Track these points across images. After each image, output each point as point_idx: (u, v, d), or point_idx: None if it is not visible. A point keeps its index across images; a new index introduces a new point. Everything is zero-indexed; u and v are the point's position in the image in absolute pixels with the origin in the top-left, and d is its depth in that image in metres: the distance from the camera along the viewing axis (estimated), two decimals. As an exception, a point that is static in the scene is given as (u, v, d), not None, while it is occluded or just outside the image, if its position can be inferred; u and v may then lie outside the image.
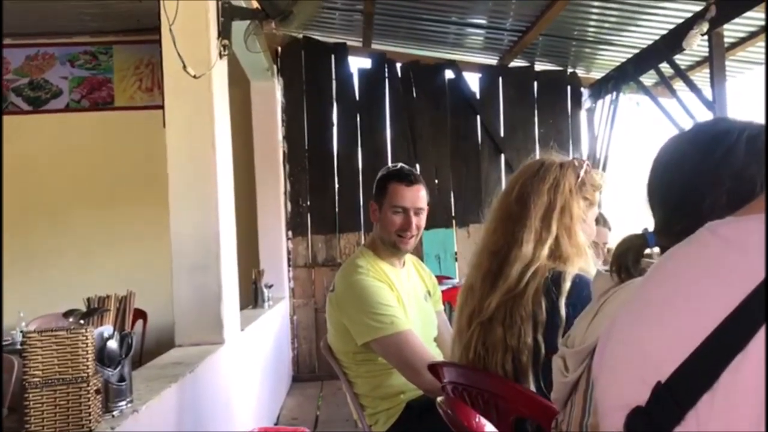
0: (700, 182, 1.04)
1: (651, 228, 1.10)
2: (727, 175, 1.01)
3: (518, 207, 1.72)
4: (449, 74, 6.39)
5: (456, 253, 6.33)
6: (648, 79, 5.64)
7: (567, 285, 1.62)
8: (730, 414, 0.50)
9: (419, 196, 2.36)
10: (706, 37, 4.21)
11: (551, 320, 1.62)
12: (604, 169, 6.04)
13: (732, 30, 4.66)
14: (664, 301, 0.63)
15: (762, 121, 1.08)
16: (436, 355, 2.30)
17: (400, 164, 2.46)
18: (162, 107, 3.05)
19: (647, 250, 1.07)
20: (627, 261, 1.06)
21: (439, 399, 1.54)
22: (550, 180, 1.72)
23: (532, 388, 1.61)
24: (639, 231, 1.09)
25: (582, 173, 1.75)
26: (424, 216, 2.40)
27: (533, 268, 1.66)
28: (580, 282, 1.63)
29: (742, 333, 0.51)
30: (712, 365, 0.52)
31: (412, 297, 2.40)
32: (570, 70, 6.49)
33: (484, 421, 1.52)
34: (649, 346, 0.60)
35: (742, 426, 0.49)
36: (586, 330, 1.10)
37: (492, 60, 6.43)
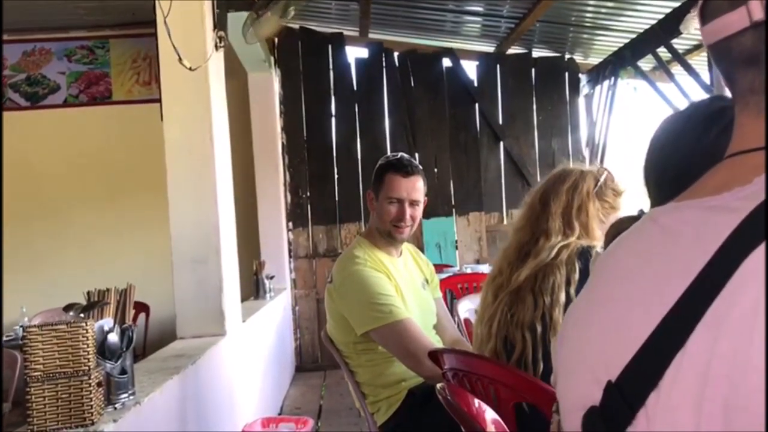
0: (696, 162, 1.01)
1: (647, 209, 1.10)
2: (722, 154, 1.01)
3: (540, 206, 1.90)
4: (447, 62, 6.38)
5: (456, 242, 6.34)
6: (646, 63, 5.62)
7: (598, 250, 1.74)
8: (672, 414, 0.49)
9: (416, 188, 2.35)
10: (703, 20, 4.19)
11: (585, 279, 1.67)
12: (602, 154, 6.04)
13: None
14: (611, 297, 0.62)
15: None
16: (436, 342, 2.31)
17: (400, 154, 2.44)
18: (160, 101, 3.04)
19: None
20: None
21: (439, 385, 1.55)
22: (569, 182, 1.89)
23: None
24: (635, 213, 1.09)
25: (602, 179, 1.90)
26: (419, 207, 2.39)
27: (563, 244, 1.80)
28: None
29: (680, 330, 0.50)
30: (655, 363, 0.51)
31: (409, 285, 2.40)
32: (568, 56, 6.48)
33: (484, 406, 1.53)
34: (599, 345, 0.59)
35: (682, 426, 0.48)
36: None
37: (489, 47, 6.41)
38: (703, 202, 0.57)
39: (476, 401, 1.50)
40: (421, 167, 2.43)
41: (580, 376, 0.61)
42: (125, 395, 1.77)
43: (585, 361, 0.61)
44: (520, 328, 1.74)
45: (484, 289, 1.95)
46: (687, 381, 0.48)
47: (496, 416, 1.45)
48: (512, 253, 1.89)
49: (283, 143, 6.21)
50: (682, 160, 1.06)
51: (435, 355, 1.86)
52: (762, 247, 0.47)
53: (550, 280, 1.75)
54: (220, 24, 3.15)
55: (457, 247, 6.33)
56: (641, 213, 1.07)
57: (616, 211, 1.89)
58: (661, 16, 4.85)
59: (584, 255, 1.74)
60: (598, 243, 1.78)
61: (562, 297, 1.71)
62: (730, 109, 1.05)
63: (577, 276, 1.73)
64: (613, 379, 0.55)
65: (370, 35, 6.24)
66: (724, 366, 0.46)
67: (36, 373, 1.50)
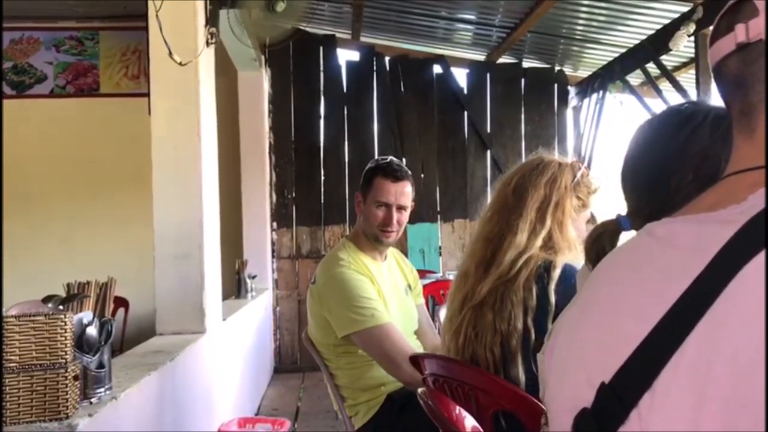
0: (667, 163, 1.06)
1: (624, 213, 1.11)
2: (692, 154, 1.04)
3: (515, 197, 1.78)
4: (437, 69, 6.39)
5: (440, 248, 6.34)
6: (634, 78, 5.67)
7: (557, 272, 1.68)
8: (669, 413, 0.50)
9: (404, 193, 2.36)
10: (692, 38, 4.24)
11: (541, 306, 1.67)
12: (588, 167, 6.07)
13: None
14: (606, 302, 0.63)
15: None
16: (416, 347, 2.31)
17: (390, 158, 2.44)
18: (148, 95, 3.02)
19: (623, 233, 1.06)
20: (603, 244, 1.04)
21: (420, 390, 1.55)
22: (547, 175, 1.78)
23: (521, 372, 1.65)
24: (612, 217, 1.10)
25: (579, 174, 1.82)
26: (407, 213, 2.39)
27: (526, 256, 1.71)
28: (568, 270, 1.69)
29: (676, 333, 0.51)
30: (650, 365, 0.52)
31: (392, 290, 2.40)
32: (557, 67, 6.51)
33: (464, 413, 1.53)
34: (593, 348, 0.61)
35: (680, 425, 0.49)
36: None
37: (480, 56, 6.43)
38: (698, 217, 0.58)
39: (457, 408, 1.49)
40: (410, 172, 2.43)
41: (573, 378, 0.62)
42: (102, 390, 1.75)
43: (578, 364, 0.62)
44: (483, 348, 1.71)
45: (452, 288, 1.88)
46: (686, 381, 0.49)
47: (475, 424, 1.45)
48: (480, 250, 1.81)
49: (270, 143, 6.19)
50: (656, 162, 1.08)
51: (416, 360, 1.85)
52: (763, 254, 0.48)
53: (507, 308, 1.69)
54: (212, 20, 3.14)
55: (440, 254, 6.34)
56: (619, 216, 1.08)
57: (586, 209, 1.84)
58: (651, 32, 4.89)
59: (541, 279, 1.69)
60: (566, 252, 1.73)
61: (519, 326, 1.67)
62: (700, 112, 1.08)
63: (534, 303, 1.67)
64: (607, 380, 0.56)
65: (362, 38, 6.24)
66: (726, 367, 0.47)
67: (11, 365, 1.48)
